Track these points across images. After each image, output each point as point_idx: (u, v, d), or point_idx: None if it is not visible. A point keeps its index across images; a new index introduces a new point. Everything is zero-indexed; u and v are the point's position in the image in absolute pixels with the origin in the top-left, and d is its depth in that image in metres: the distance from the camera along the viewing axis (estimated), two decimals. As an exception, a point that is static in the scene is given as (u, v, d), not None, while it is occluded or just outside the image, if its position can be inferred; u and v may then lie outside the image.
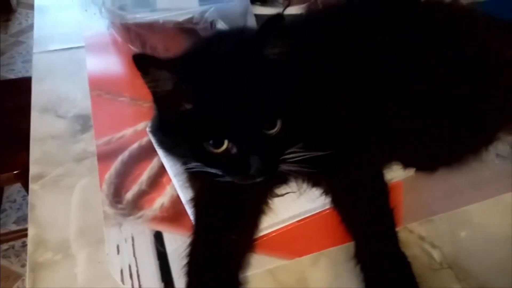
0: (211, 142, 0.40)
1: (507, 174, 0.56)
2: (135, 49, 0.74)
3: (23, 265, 1.66)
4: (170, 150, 0.47)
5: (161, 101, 0.42)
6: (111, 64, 0.75)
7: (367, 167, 0.50)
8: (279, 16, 0.40)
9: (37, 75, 0.72)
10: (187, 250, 0.43)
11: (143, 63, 0.38)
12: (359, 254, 0.45)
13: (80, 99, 0.67)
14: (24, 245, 1.67)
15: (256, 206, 0.48)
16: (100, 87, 0.69)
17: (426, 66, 0.52)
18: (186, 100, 0.40)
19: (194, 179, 0.48)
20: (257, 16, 0.93)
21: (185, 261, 0.43)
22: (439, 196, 0.53)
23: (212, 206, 0.46)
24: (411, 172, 0.55)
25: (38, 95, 0.67)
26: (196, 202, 0.47)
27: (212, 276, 0.41)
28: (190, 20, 0.68)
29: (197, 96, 0.40)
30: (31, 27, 3.04)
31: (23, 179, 1.19)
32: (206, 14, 0.67)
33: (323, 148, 0.44)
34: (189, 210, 0.49)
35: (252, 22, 0.73)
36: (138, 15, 0.69)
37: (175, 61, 0.42)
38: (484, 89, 0.51)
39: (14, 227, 1.72)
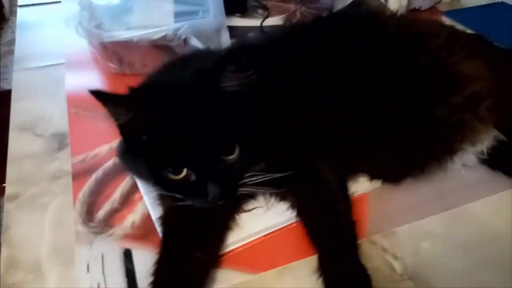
0: (170, 169, 0.42)
1: (472, 183, 0.58)
2: (113, 66, 0.76)
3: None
4: (135, 174, 0.49)
5: (122, 130, 0.44)
6: (90, 81, 0.76)
7: (329, 182, 0.51)
8: (237, 52, 0.42)
9: (16, 94, 0.73)
10: (153, 268, 0.45)
11: (100, 98, 0.40)
12: (321, 268, 0.47)
13: (58, 117, 0.68)
14: None
15: (222, 223, 0.49)
16: (78, 104, 0.70)
17: (385, 80, 0.53)
18: (144, 132, 0.41)
19: (162, 198, 0.50)
20: (237, 28, 0.95)
21: (151, 279, 0.44)
22: (403, 207, 0.55)
23: (178, 224, 0.48)
24: (377, 184, 0.57)
25: (16, 114, 0.69)
26: (164, 220, 0.49)
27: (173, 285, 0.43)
28: (164, 38, 0.69)
29: (153, 128, 0.41)
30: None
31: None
32: (180, 31, 0.69)
33: (283, 169, 0.45)
34: (158, 228, 0.50)
35: (226, 38, 0.74)
36: (114, 34, 0.70)
37: (131, 95, 0.43)
38: (442, 103, 0.53)
39: None
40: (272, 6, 1.04)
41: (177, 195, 0.44)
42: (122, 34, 0.70)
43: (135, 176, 0.51)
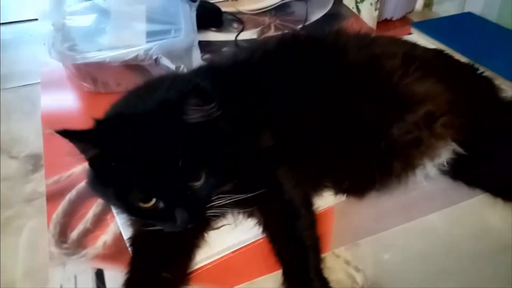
0: (138, 198, 0.44)
1: (434, 195, 0.60)
2: (87, 86, 0.77)
3: None
4: (106, 201, 0.51)
5: (90, 162, 0.46)
6: (65, 101, 0.78)
7: (293, 199, 0.53)
8: (198, 88, 0.44)
9: (-4, 114, 0.75)
10: (122, 285, 0.47)
11: (67, 136, 0.42)
12: (286, 282, 0.49)
13: (33, 138, 0.70)
14: None
15: (191, 242, 0.51)
16: (52, 124, 0.71)
17: (344, 101, 0.56)
18: (110, 164, 0.43)
19: (132, 220, 0.52)
20: (212, 43, 0.97)
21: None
22: (367, 220, 0.57)
23: (147, 244, 0.50)
24: (341, 198, 0.59)
25: (-8, 137, 0.70)
26: (133, 241, 0.51)
27: None
28: (135, 58, 0.71)
29: (119, 160, 0.43)
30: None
31: None
32: (151, 51, 0.71)
33: (248, 190, 0.47)
34: (129, 248, 0.52)
35: (197, 56, 0.77)
36: (86, 55, 0.72)
37: (96, 130, 0.45)
38: (397, 122, 0.55)
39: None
40: (246, 19, 1.06)
41: (147, 221, 0.46)
42: (94, 56, 0.71)
43: (105, 203, 0.53)
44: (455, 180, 0.61)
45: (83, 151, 0.45)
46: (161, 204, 0.44)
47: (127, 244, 0.52)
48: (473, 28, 0.92)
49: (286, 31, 1.00)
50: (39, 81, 0.83)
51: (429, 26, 0.92)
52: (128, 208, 0.46)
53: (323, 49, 0.63)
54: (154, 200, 0.44)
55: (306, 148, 0.54)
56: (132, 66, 0.74)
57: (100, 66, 0.73)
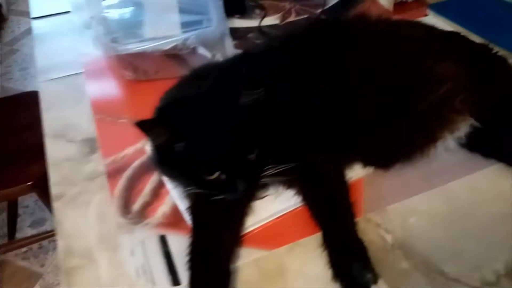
0: (205, 172, 0.51)
1: (453, 165, 0.67)
2: (128, 74, 0.84)
3: (42, 265, 1.78)
4: (172, 178, 0.58)
5: (161, 147, 0.53)
6: (109, 89, 0.85)
7: (327, 170, 0.60)
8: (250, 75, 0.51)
9: (45, 104, 0.82)
10: (188, 249, 0.54)
11: (145, 126, 0.49)
12: (325, 243, 0.56)
13: (85, 124, 0.77)
14: (41, 246, 1.79)
15: (241, 210, 0.59)
16: (102, 111, 0.79)
17: (373, 81, 0.62)
18: (179, 145, 0.51)
19: (189, 193, 0.59)
20: (237, 30, 1.03)
21: (187, 258, 0.54)
22: (393, 189, 0.64)
23: (205, 213, 0.57)
24: (370, 170, 0.66)
25: (48, 123, 0.77)
26: (192, 210, 0.58)
27: (208, 268, 0.52)
28: (174, 48, 0.77)
29: (188, 141, 0.51)
30: (24, 34, 3.11)
31: (37, 188, 1.30)
32: (188, 41, 0.77)
33: (290, 161, 0.55)
34: (187, 216, 0.60)
35: (229, 44, 0.82)
36: (129, 46, 0.78)
37: (165, 116, 0.52)
38: (422, 99, 0.62)
39: (29, 230, 1.84)
40: (268, 5, 1.11)
41: (211, 192, 0.53)
42: (136, 46, 0.78)
43: (171, 180, 0.60)
44: (472, 152, 0.68)
45: (154, 137, 0.52)
46: (223, 176, 0.51)
47: (185, 213, 0.60)
48: (488, 9, 0.96)
49: (306, 16, 1.05)
50: (81, 70, 0.89)
51: (444, 8, 0.97)
52: (195, 182, 0.53)
53: (349, 34, 0.69)
54: (217, 173, 0.51)
55: (339, 127, 0.61)
56: (169, 55, 0.81)
57: (140, 55, 0.80)
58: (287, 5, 1.11)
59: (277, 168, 0.55)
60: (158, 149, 0.56)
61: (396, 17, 1.03)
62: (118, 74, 0.86)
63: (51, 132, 0.75)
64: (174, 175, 0.58)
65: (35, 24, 1.04)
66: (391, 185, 0.65)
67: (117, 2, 0.88)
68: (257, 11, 1.09)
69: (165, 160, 0.56)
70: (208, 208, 0.57)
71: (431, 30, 0.73)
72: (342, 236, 0.56)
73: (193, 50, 0.78)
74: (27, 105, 1.49)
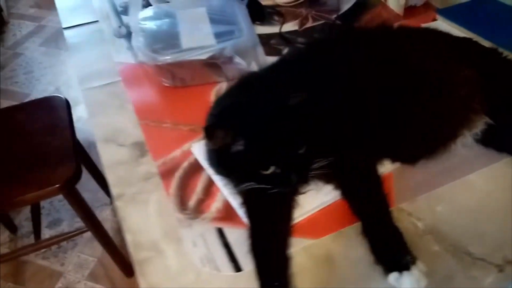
0: (261, 168, 0.58)
1: (470, 159, 0.75)
2: (166, 81, 0.90)
3: (62, 264, 1.85)
4: (225, 176, 0.65)
5: (219, 149, 0.60)
6: (149, 95, 0.91)
7: (364, 165, 0.68)
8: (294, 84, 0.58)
9: (91, 110, 0.88)
10: (248, 240, 0.61)
11: (211, 130, 0.56)
12: (365, 231, 0.63)
13: (132, 129, 0.83)
14: (60, 246, 1.85)
15: (289, 203, 0.66)
16: (145, 116, 0.85)
17: (402, 86, 0.70)
18: (238, 145, 0.58)
19: (240, 189, 0.66)
20: (259, 36, 1.09)
21: (248, 247, 0.61)
22: (420, 182, 0.72)
23: (259, 207, 0.64)
24: (397, 165, 0.74)
25: (97, 129, 0.83)
26: (247, 205, 0.65)
27: (270, 255, 0.60)
28: (212, 57, 0.84)
29: (246, 141, 0.58)
30: (26, 37, 3.14)
31: (64, 191, 1.35)
32: (225, 51, 0.84)
33: (332, 155, 0.62)
34: (239, 211, 0.67)
35: (261, 53, 0.89)
36: (169, 57, 0.84)
37: (225, 120, 0.59)
38: (444, 103, 0.69)
39: (47, 231, 1.90)
40: (285, 12, 1.18)
41: (266, 186, 0.60)
42: (177, 57, 0.84)
43: (224, 179, 0.67)
44: (486, 147, 0.76)
45: (217, 140, 0.59)
46: (278, 170, 0.58)
47: (238, 208, 0.67)
48: (496, 13, 1.02)
49: (323, 21, 1.13)
50: (119, 78, 0.95)
51: (453, 13, 1.04)
52: (250, 178, 0.60)
53: (376, 41, 0.76)
54: (272, 168, 0.58)
55: (372, 127, 0.68)
56: (205, 63, 0.87)
57: (178, 64, 0.86)
58: (303, 11, 1.18)
59: (321, 162, 0.62)
60: (216, 151, 0.63)
61: (405, 21, 1.11)
62: (155, 81, 0.92)
63: (102, 137, 0.81)
64: (230, 174, 0.65)
65: (67, 33, 1.10)
66: (418, 179, 0.72)
67: (151, 14, 0.94)
68: (276, 17, 1.16)
69: (222, 160, 0.63)
70: (260, 202, 0.64)
71: (447, 36, 0.81)
72: (380, 224, 0.64)
73: (228, 59, 0.85)
74: (48, 109, 1.55)
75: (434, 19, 1.07)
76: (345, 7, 1.19)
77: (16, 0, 3.53)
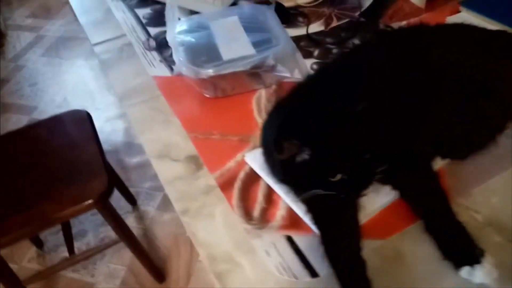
0: (330, 176, 0.60)
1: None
2: (208, 93, 0.92)
3: (92, 275, 1.87)
4: (289, 185, 0.67)
5: (287, 160, 0.62)
6: (192, 107, 0.92)
7: (421, 165, 0.71)
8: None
9: (138, 127, 0.89)
10: (322, 246, 0.64)
11: (279, 143, 0.58)
12: (429, 228, 0.66)
13: (182, 143, 0.85)
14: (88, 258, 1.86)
15: (354, 206, 0.68)
16: (193, 129, 0.87)
17: (452, 86, 0.72)
18: (305, 154, 0.60)
19: (310, 200, 0.68)
20: (287, 39, 1.11)
21: (323, 253, 0.64)
22: (471, 175, 0.75)
23: (326, 212, 0.67)
24: (447, 161, 0.76)
25: (148, 145, 0.85)
26: (314, 211, 0.68)
27: (347, 259, 0.63)
28: (254, 67, 0.86)
29: (314, 151, 0.60)
30: (27, 48, 3.12)
31: (98, 205, 1.37)
32: (268, 60, 0.85)
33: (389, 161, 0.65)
34: (305, 218, 0.69)
35: (301, 59, 0.91)
36: (212, 69, 0.86)
37: (291, 130, 0.61)
38: (491, 102, 0.72)
39: (74, 243, 1.91)
40: (308, 12, 1.19)
41: (335, 192, 0.63)
42: (220, 70, 0.86)
43: (287, 187, 0.69)
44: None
45: (285, 152, 0.61)
46: (345, 177, 0.61)
47: (304, 215, 0.69)
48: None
49: (347, 20, 1.14)
50: (157, 93, 0.96)
51: (477, 3, 1.05)
52: (317, 185, 0.62)
53: (418, 41, 0.78)
54: (339, 175, 0.61)
55: (425, 128, 0.71)
56: (248, 73, 0.89)
57: (221, 75, 0.88)
58: (326, 11, 1.19)
59: (384, 165, 0.64)
60: (280, 161, 0.65)
61: (429, 15, 1.13)
62: (196, 93, 0.93)
63: (154, 154, 0.83)
64: (293, 182, 0.67)
65: (97, 50, 1.11)
66: (469, 172, 0.75)
67: (186, 27, 0.96)
68: (300, 18, 1.17)
69: (286, 170, 0.65)
70: (327, 208, 0.67)
71: (482, 34, 0.83)
72: (443, 220, 0.66)
73: (270, 67, 0.87)
74: (71, 124, 1.56)
75: (458, 11, 1.09)
76: (366, 3, 1.21)
77: (11, 10, 3.50)
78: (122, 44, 1.12)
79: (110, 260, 1.93)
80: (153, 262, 1.76)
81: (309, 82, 0.74)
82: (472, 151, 0.75)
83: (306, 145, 0.61)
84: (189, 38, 0.92)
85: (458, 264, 0.62)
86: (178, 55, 0.89)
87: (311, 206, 0.68)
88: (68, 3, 1.37)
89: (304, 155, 0.61)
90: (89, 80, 2.93)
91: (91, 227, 2.07)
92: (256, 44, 0.91)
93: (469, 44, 0.78)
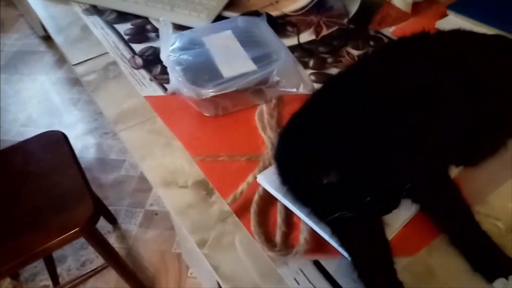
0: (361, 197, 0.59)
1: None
2: (209, 111, 0.88)
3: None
4: (312, 207, 0.65)
5: (312, 184, 0.59)
6: (193, 128, 0.88)
7: (440, 176, 0.70)
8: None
9: (137, 154, 0.84)
10: (355, 269, 0.62)
11: (308, 167, 0.56)
12: (455, 240, 0.66)
13: (188, 167, 0.80)
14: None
15: (381, 224, 0.67)
16: (198, 152, 0.83)
17: (469, 97, 0.72)
18: (332, 176, 0.58)
19: (335, 221, 0.66)
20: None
21: (358, 277, 0.62)
22: (485, 181, 0.75)
23: (354, 234, 0.65)
24: (461, 168, 0.77)
25: (151, 173, 0.80)
26: (340, 233, 0.66)
27: (384, 281, 0.61)
28: (259, 83, 0.83)
29: (343, 173, 0.58)
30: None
31: (84, 233, 1.29)
32: (272, 76, 0.82)
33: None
34: (330, 240, 0.67)
35: (303, 72, 0.89)
36: (212, 90, 0.82)
37: (314, 152, 0.59)
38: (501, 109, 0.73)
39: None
40: (296, 21, 1.17)
41: (364, 215, 0.61)
42: (223, 89, 0.82)
43: (310, 209, 0.67)
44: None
45: (309, 176, 0.58)
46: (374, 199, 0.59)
47: (329, 238, 0.67)
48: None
49: (336, 27, 1.13)
50: (154, 114, 0.91)
51: (465, 6, 1.07)
52: (345, 207, 0.60)
53: (426, 52, 0.78)
54: (369, 198, 0.59)
55: (438, 140, 0.71)
56: (248, 89, 0.86)
57: (223, 94, 0.84)
58: (314, 19, 1.18)
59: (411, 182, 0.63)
60: (303, 185, 0.63)
61: (415, 19, 1.14)
62: (194, 112, 0.89)
63: (160, 182, 0.78)
64: (317, 205, 0.65)
65: (79, 71, 1.04)
66: (482, 178, 0.76)
67: (179, 45, 0.91)
68: (289, 28, 1.15)
69: (309, 193, 0.63)
70: (354, 229, 0.65)
71: (483, 39, 0.84)
72: (468, 232, 0.66)
73: (275, 83, 0.84)
74: (47, 146, 1.47)
75: (445, 15, 1.11)
76: (352, 9, 1.20)
77: (-38, 26, 3.27)
78: (106, 63, 1.05)
79: (94, 284, 1.84)
80: (141, 283, 1.69)
81: (323, 98, 0.72)
82: (484, 157, 0.76)
83: (334, 168, 0.59)
84: (186, 56, 0.88)
85: (490, 276, 0.62)
86: (176, 75, 0.84)
87: (337, 228, 0.66)
88: (22, 15, 1.28)
89: (332, 178, 0.59)
90: (53, 95, 2.79)
91: (70, 251, 1.96)
92: (256, 60, 0.88)
93: (477, 50, 0.79)
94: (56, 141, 1.47)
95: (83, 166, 1.46)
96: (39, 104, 2.70)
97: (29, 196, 1.32)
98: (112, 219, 1.97)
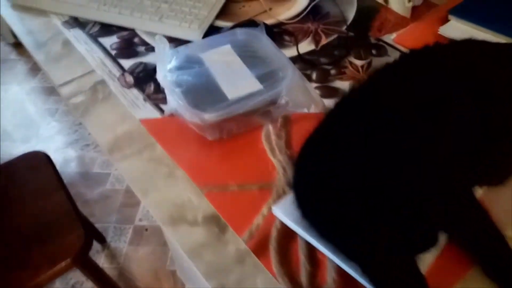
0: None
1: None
2: (213, 136, 0.81)
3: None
4: (342, 244, 0.60)
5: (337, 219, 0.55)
6: (197, 155, 0.81)
7: (468, 201, 0.66)
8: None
9: (138, 188, 0.77)
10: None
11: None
12: (489, 273, 0.62)
13: (196, 200, 0.74)
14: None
15: (414, 260, 0.62)
16: (205, 183, 0.76)
17: (489, 112, 0.68)
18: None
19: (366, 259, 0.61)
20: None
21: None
22: (508, 201, 0.72)
23: (389, 272, 0.60)
24: (485, 189, 0.73)
25: (156, 211, 0.73)
26: (374, 271, 0.61)
27: None
28: (267, 105, 0.77)
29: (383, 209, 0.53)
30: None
31: (77, 264, 1.21)
32: (281, 96, 0.77)
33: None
34: (361, 279, 0.62)
35: (312, 89, 0.83)
36: (217, 113, 0.76)
37: (350, 187, 0.54)
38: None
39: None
40: (293, 29, 1.11)
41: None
42: (229, 112, 0.76)
43: (339, 246, 0.62)
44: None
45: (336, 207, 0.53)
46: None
47: (359, 275, 0.62)
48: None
49: (335, 35, 1.08)
50: (152, 141, 0.84)
51: (467, 11, 1.03)
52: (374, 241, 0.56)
53: (435, 64, 0.74)
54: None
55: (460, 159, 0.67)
56: (255, 110, 0.80)
57: (228, 117, 0.78)
58: (311, 26, 1.12)
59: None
60: (329, 219, 0.57)
61: (416, 24, 1.10)
62: (197, 136, 0.82)
63: (167, 220, 0.72)
64: (345, 240, 0.60)
65: (64, 92, 0.95)
66: (507, 198, 0.72)
67: (175, 63, 0.84)
68: (286, 37, 1.09)
69: (336, 227, 0.58)
70: (388, 267, 0.60)
71: (493, 46, 0.80)
72: (503, 261, 0.63)
73: (284, 104, 0.78)
74: (31, 169, 1.37)
75: (447, 20, 1.07)
76: (350, 15, 1.16)
77: None
78: (94, 82, 0.97)
79: (86, 308, 1.76)
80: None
81: (338, 120, 0.67)
82: (508, 174, 0.73)
83: (372, 203, 0.54)
84: (185, 76, 0.81)
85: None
86: (176, 98, 0.77)
87: (369, 266, 0.61)
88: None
89: (357, 209, 0.54)
90: (28, 106, 2.65)
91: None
92: (261, 78, 0.82)
93: (490, 60, 0.75)
94: (39, 164, 1.37)
95: (65, 181, 1.37)
96: (14, 116, 2.56)
97: (12, 226, 1.22)
98: (100, 238, 1.88)
